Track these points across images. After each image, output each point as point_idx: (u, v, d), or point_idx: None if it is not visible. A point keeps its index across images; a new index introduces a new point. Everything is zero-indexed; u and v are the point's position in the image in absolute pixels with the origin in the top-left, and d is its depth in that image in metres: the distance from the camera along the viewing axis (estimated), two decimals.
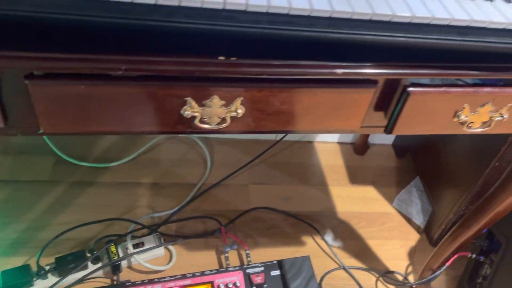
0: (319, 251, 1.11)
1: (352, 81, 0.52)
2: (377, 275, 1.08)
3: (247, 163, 1.26)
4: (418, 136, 1.31)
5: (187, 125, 0.52)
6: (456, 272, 1.10)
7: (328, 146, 1.40)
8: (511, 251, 0.87)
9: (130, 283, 0.92)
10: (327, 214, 1.20)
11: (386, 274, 1.08)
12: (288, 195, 1.23)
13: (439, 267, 0.95)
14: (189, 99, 0.49)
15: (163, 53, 0.46)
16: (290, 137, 1.39)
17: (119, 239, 1.00)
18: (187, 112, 0.50)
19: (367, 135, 1.34)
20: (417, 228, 1.20)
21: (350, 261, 1.10)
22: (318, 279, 1.04)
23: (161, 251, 1.02)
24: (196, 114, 0.50)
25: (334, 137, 1.41)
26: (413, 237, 1.18)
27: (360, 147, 1.38)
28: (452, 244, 0.88)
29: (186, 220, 1.10)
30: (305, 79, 0.51)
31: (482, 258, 0.98)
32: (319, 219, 1.18)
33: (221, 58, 0.46)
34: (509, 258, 0.87)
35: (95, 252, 0.95)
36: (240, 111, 0.52)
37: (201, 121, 0.52)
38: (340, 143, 1.41)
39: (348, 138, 1.41)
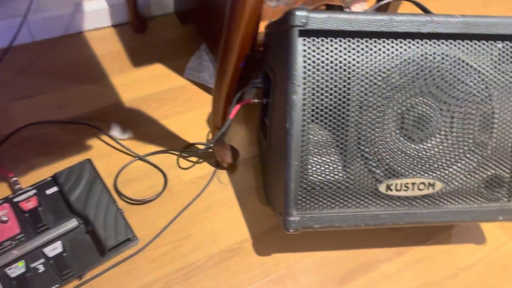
0: (108, 150, 0.98)
1: None
2: (177, 153, 1.00)
3: None
4: None
5: None
6: (256, 124, 1.07)
7: (101, 33, 1.20)
8: (279, 83, 0.83)
9: None
10: (112, 108, 1.05)
11: (186, 148, 1.01)
12: (62, 102, 1.04)
13: (224, 124, 0.89)
14: None
15: None
16: (51, 33, 1.15)
17: None
18: None
19: (135, 7, 1.17)
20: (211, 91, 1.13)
21: (145, 148, 1.00)
22: (112, 178, 0.93)
23: None
24: None
25: (105, 21, 1.21)
26: (210, 103, 1.11)
27: (137, 22, 1.20)
28: (220, 95, 0.82)
29: None
30: None
31: (265, 101, 0.95)
32: (103, 117, 1.03)
33: None
34: (279, 90, 0.83)
35: None
36: None
37: None
38: (115, 26, 1.22)
39: (123, 17, 1.22)
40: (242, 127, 1.07)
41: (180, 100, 1.10)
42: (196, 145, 1.02)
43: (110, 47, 1.17)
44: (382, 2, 1.00)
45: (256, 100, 0.93)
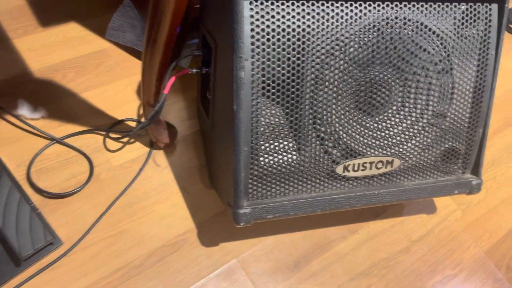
0: (16, 133, 0.82)
1: None
2: (103, 133, 0.86)
3: None
4: None
5: None
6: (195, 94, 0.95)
7: None
8: (221, 53, 0.71)
9: None
10: (17, 80, 0.87)
11: (114, 126, 0.87)
12: None
13: (158, 100, 0.76)
14: None
15: None
16: None
17: None
18: None
19: None
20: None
21: (64, 129, 0.84)
22: (23, 169, 0.78)
23: None
24: None
25: None
26: (140, 70, 0.96)
27: None
28: (152, 68, 0.68)
29: None
30: None
31: (205, 71, 0.82)
32: (6, 91, 0.85)
33: None
34: (221, 61, 0.71)
35: None
36: None
37: None
38: None
39: None
40: (179, 98, 0.94)
41: (103, 68, 0.94)
42: (126, 122, 0.88)
43: (9, 1, 0.96)
44: None
45: (194, 70, 0.80)
